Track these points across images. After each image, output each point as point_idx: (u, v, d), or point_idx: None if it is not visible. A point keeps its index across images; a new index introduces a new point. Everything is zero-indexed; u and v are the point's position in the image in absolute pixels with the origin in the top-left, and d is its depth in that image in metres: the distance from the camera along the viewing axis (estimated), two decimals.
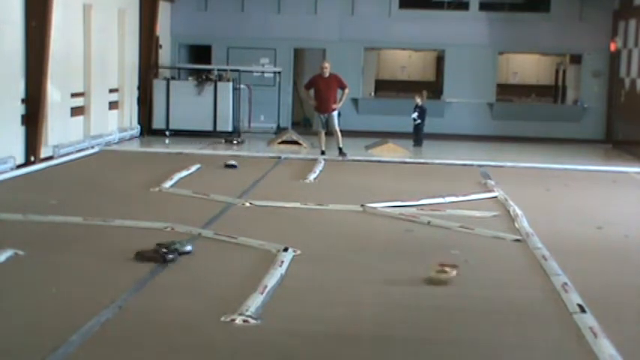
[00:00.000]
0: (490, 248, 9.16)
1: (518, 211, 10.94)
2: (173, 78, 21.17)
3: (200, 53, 23.22)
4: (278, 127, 21.92)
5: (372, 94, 24.09)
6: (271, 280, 7.30)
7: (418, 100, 20.10)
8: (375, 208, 11.14)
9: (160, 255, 7.89)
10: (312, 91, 17.40)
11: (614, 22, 21.95)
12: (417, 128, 20.15)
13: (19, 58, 14.18)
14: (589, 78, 22.61)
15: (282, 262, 7.93)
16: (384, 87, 24.60)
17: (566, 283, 7.47)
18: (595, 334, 6.12)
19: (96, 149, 17.10)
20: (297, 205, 11.30)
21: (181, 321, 6.30)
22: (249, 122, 21.77)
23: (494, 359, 5.92)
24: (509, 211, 11.14)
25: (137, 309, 6.59)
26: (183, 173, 13.76)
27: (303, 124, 22.89)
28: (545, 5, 22.59)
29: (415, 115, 20.04)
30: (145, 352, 5.71)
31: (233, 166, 14.87)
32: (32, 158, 14.46)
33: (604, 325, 6.29)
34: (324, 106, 17.19)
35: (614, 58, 21.81)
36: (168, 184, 12.65)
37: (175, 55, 22.90)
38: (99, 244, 8.73)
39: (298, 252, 8.40)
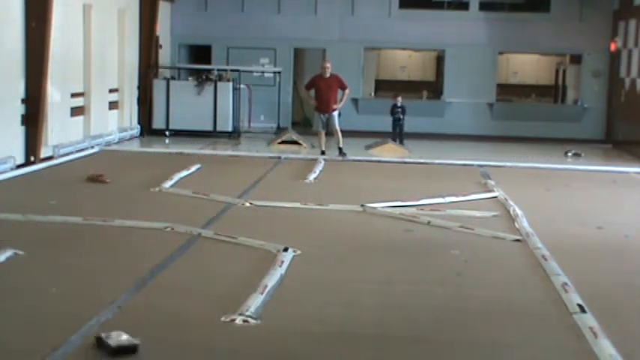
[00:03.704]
0: (490, 248, 9.15)
1: (518, 211, 10.93)
2: (173, 78, 21.16)
3: (200, 53, 23.22)
4: (278, 127, 21.92)
5: (372, 94, 24.07)
6: (271, 280, 7.30)
7: (399, 101, 19.91)
8: (375, 208, 11.13)
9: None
10: (312, 91, 17.40)
11: (614, 22, 21.95)
12: (400, 127, 20.02)
13: (19, 58, 14.18)
14: (589, 78, 22.60)
15: (282, 262, 7.93)
16: (384, 87, 24.57)
17: (566, 283, 7.47)
18: (595, 334, 6.11)
19: (96, 149, 17.09)
20: (297, 205, 11.29)
21: (181, 321, 6.30)
22: (249, 122, 21.79)
23: (494, 359, 5.92)
24: (509, 211, 11.13)
25: (137, 309, 6.59)
26: (183, 173, 13.76)
27: (303, 124, 22.88)
28: (545, 5, 22.59)
29: (400, 114, 19.87)
30: (145, 352, 5.70)
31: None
32: (32, 158, 14.45)
33: (604, 325, 6.28)
34: (324, 106, 17.18)
35: (614, 58, 21.81)
36: (168, 184, 12.65)
37: (175, 55, 22.90)
38: (99, 244, 8.73)
39: (298, 252, 8.40)
